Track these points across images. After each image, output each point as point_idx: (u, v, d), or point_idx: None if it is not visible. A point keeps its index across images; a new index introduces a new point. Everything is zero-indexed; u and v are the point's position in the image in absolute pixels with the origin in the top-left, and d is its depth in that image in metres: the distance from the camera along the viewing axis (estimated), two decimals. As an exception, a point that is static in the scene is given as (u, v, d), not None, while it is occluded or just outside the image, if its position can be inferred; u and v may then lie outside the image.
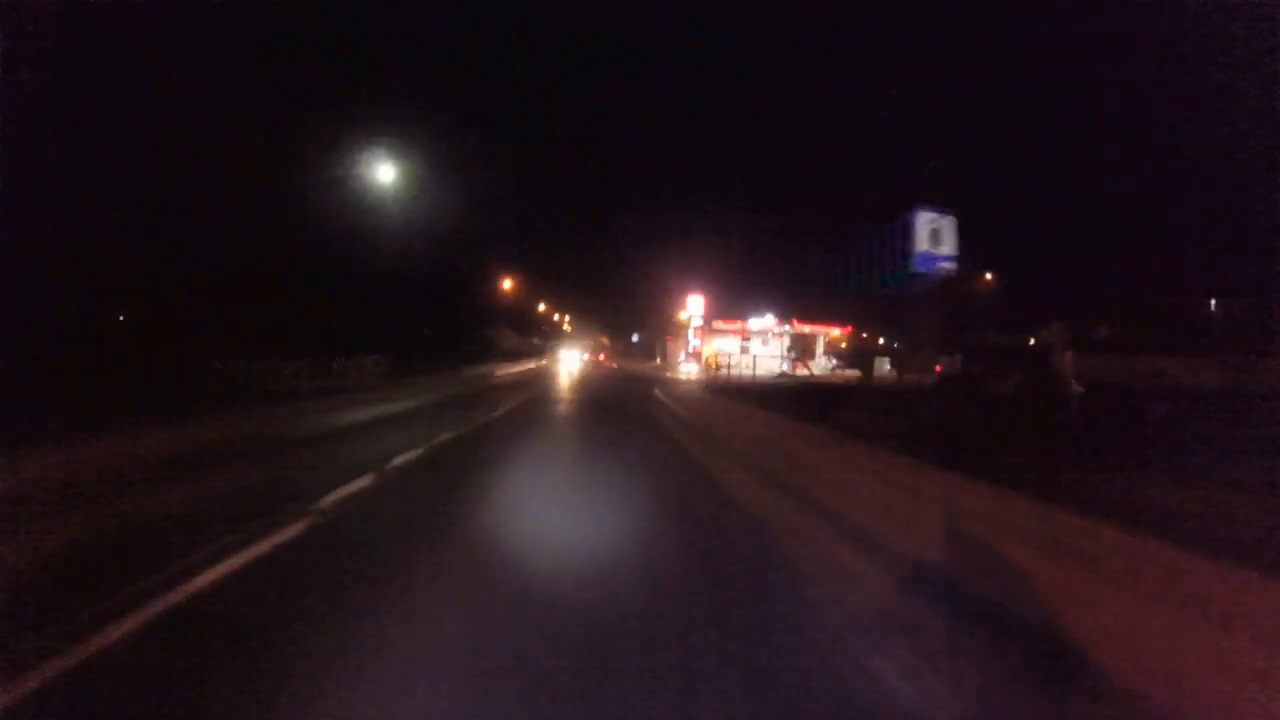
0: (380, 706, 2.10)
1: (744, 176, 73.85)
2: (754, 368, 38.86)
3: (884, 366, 39.65)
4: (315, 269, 19.43)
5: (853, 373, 36.06)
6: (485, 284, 35.69)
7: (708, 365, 35.41)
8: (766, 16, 71.37)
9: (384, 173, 19.59)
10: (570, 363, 43.25)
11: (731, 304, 38.09)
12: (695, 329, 36.59)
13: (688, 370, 32.55)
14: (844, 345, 38.87)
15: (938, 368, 33.17)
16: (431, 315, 27.76)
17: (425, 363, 23.16)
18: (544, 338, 60.71)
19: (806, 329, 36.54)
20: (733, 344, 38.92)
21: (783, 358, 35.90)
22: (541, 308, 59.92)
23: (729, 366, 38.49)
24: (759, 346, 39.36)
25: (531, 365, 38.21)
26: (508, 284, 36.24)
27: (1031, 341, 35.17)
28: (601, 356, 63.60)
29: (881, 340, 47.01)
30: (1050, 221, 34.72)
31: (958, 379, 28.86)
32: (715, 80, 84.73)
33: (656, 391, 17.11)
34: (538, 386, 19.29)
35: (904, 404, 16.42)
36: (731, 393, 15.27)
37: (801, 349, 37.65)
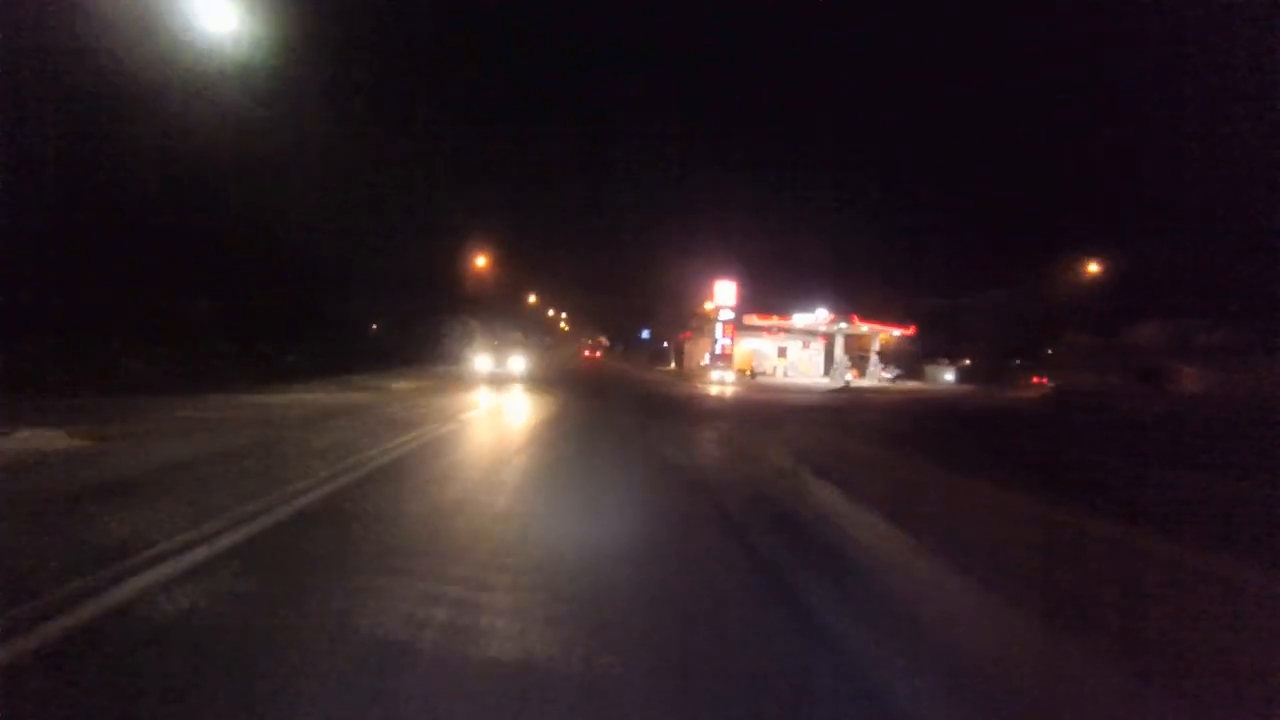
0: None
1: (750, 149, 67.27)
2: (784, 373, 32.19)
3: (943, 375, 33.22)
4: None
5: (913, 384, 29.50)
6: (438, 269, 25.30)
7: (742, 372, 28.54)
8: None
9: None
10: (512, 365, 16.54)
11: (761, 294, 30.38)
12: (724, 324, 29.60)
13: (720, 378, 25.50)
14: (872, 350, 31.07)
15: (1035, 380, 26.97)
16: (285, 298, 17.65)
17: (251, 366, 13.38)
18: (527, 334, 51.58)
19: (865, 328, 29.51)
20: (768, 344, 32.07)
21: (841, 364, 28.89)
22: (533, 300, 52.40)
23: (770, 372, 31.64)
24: (798, 349, 32.61)
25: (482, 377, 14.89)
26: (481, 261, 26.71)
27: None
28: (599, 354, 56.95)
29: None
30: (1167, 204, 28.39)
31: (1080, 396, 22.49)
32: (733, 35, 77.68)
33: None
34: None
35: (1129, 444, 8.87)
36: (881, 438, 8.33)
37: (856, 352, 30.80)
